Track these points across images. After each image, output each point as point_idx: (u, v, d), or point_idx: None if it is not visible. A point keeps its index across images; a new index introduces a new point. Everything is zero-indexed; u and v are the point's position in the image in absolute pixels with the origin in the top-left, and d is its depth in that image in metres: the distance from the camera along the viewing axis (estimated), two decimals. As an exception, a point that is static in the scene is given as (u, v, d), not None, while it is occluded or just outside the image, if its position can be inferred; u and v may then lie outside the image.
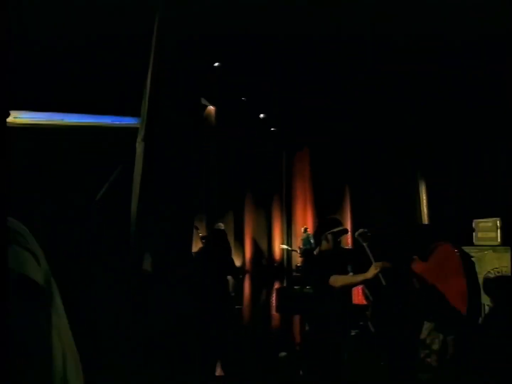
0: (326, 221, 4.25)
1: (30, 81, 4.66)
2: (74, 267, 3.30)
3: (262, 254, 13.77)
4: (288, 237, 13.51)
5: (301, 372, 4.20)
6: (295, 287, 8.70)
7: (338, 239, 3.70)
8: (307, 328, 7.07)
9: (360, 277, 3.40)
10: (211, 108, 14.44)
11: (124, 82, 5.30)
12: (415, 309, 3.35)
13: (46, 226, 3.52)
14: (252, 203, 14.04)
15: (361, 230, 3.78)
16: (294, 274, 12.33)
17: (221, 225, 7.90)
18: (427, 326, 2.94)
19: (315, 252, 3.85)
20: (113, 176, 4.44)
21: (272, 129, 13.13)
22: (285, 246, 10.60)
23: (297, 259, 12.79)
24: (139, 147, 4.18)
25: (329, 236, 3.67)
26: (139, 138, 4.25)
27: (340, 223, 3.86)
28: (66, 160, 4.85)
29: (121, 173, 4.39)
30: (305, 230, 11.08)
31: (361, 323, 3.71)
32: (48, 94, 5.43)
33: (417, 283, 3.31)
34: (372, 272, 3.19)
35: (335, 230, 3.66)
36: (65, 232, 3.63)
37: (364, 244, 3.54)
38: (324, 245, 3.77)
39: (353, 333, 3.16)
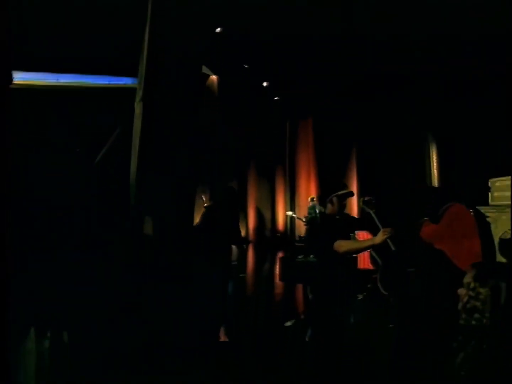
0: (331, 184, 4.09)
1: (23, 40, 4.43)
2: (75, 229, 3.22)
3: (266, 224, 13.72)
4: (291, 207, 13.41)
5: (307, 339, 4.11)
6: (298, 256, 8.65)
7: (344, 202, 3.56)
8: (310, 296, 7.04)
9: (368, 242, 3.31)
10: (213, 77, 14.14)
11: (121, 41, 5.05)
12: (426, 271, 3.22)
13: (44, 188, 3.42)
14: (256, 173, 13.92)
15: (366, 197, 3.65)
16: (297, 244, 12.27)
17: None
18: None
19: (319, 216, 3.71)
20: (112, 138, 4.29)
21: (275, 98, 12.86)
22: (291, 213, 10.50)
23: (300, 230, 12.73)
24: (138, 107, 4.00)
25: (335, 199, 3.52)
26: (138, 99, 4.08)
27: (345, 185, 3.76)
28: (63, 122, 4.67)
29: (119, 135, 4.23)
30: (312, 199, 10.92)
31: (369, 285, 3.52)
32: (42, 53, 5.14)
33: (428, 245, 3.19)
34: (380, 237, 3.05)
35: (340, 193, 3.53)
36: (64, 194, 3.50)
37: (371, 211, 3.43)
38: (329, 208, 3.59)
39: (360, 297, 3.00)
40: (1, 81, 1.85)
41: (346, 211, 3.95)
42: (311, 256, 9.35)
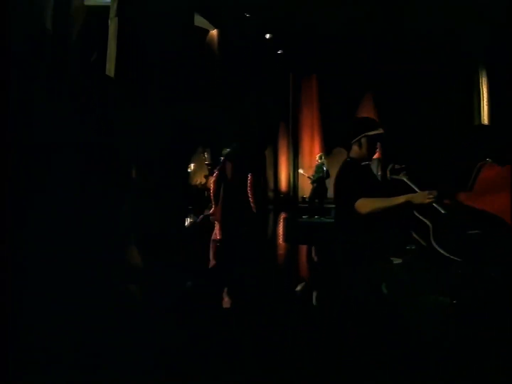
0: (360, 121, 3.22)
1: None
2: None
3: (268, 184, 13.39)
4: (294, 167, 13.02)
5: (314, 302, 3.78)
6: (303, 216, 8.38)
7: (375, 147, 2.76)
8: (316, 258, 6.76)
9: (401, 199, 2.40)
10: (213, 32, 13.44)
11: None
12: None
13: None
14: (257, 131, 13.46)
15: (396, 166, 2.69)
16: (300, 205, 11.99)
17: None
18: None
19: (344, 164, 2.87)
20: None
21: (279, 51, 12.20)
22: (302, 171, 10.15)
23: (304, 190, 12.41)
24: (112, 23, 3.45)
25: (363, 141, 2.72)
26: (112, 14, 3.51)
27: (378, 124, 2.80)
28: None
29: (95, 58, 3.66)
30: (321, 157, 10.42)
31: (411, 247, 2.60)
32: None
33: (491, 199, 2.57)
34: (421, 198, 2.31)
35: (371, 133, 2.73)
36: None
37: (404, 178, 2.59)
38: (355, 151, 2.78)
39: (396, 261, 2.28)
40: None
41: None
42: (316, 216, 9.12)
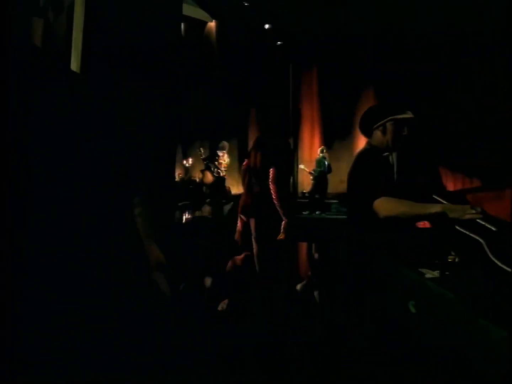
0: (387, 102, 2.71)
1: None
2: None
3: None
4: (294, 161, 12.75)
5: (316, 297, 3.53)
6: (303, 212, 8.13)
7: (402, 132, 2.26)
8: (316, 255, 6.51)
9: (435, 208, 1.89)
10: (211, 24, 13.14)
11: None
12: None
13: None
14: (257, 124, 13.19)
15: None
16: (299, 200, 11.73)
17: (226, 144, 7.10)
18: None
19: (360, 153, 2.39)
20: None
21: (278, 43, 11.89)
22: (303, 166, 9.89)
23: (304, 185, 12.15)
24: (78, 8, 3.06)
25: (389, 125, 2.27)
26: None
27: (406, 107, 2.30)
28: None
29: None
30: (322, 150, 10.14)
31: (451, 256, 1.96)
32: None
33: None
34: (460, 213, 1.79)
35: (399, 116, 2.25)
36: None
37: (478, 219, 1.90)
38: (378, 138, 2.31)
39: (429, 275, 1.71)
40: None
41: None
42: (317, 212, 8.86)
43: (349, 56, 11.11)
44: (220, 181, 6.80)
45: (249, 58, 11.86)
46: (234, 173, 14.10)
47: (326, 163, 9.61)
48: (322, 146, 10.72)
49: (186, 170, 16.72)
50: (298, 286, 4.48)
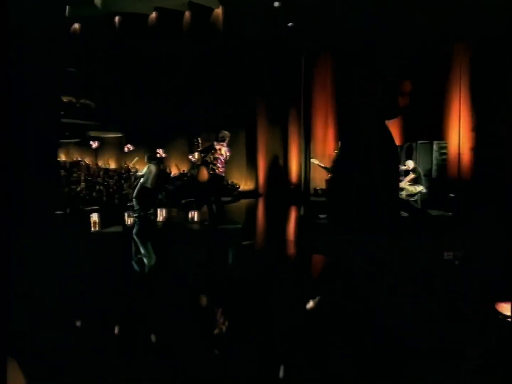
0: None
1: None
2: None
3: (277, 175, 12.21)
4: (306, 155, 11.75)
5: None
6: (319, 216, 7.14)
7: None
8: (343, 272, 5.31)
9: None
10: (218, 11, 12.19)
11: None
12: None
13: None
14: (266, 115, 12.26)
15: None
16: (313, 199, 10.76)
17: (226, 134, 6.00)
18: None
19: None
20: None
21: (289, 24, 10.84)
22: (317, 162, 8.85)
23: (316, 181, 11.19)
24: None
25: None
26: None
27: None
28: None
29: None
30: (343, 145, 9.07)
31: None
32: None
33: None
34: None
35: None
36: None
37: None
38: None
39: None
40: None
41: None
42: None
43: (367, 38, 10.06)
44: (215, 179, 5.80)
45: (258, 42, 10.88)
46: (242, 168, 13.21)
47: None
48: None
49: (192, 165, 15.71)
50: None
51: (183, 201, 10.36)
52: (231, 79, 11.47)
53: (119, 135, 16.44)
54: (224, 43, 11.55)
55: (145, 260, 4.83)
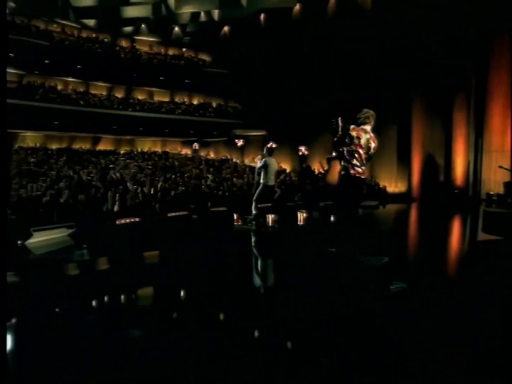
0: None
1: None
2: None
3: (437, 176, 10.08)
4: (476, 153, 9.44)
5: None
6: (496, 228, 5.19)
7: None
8: None
9: None
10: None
11: None
12: None
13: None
14: (423, 105, 10.25)
15: None
16: (486, 208, 8.46)
17: (370, 114, 3.54)
18: None
19: None
20: None
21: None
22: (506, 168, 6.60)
23: (489, 184, 8.87)
24: None
25: None
26: None
27: None
28: None
29: None
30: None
31: None
32: None
33: None
34: None
35: None
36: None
37: None
38: None
39: None
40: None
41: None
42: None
43: None
44: (350, 181, 3.55)
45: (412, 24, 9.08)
46: (391, 166, 11.34)
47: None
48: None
49: (303, 158, 14.19)
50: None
51: (321, 204, 9.14)
52: (382, 67, 9.87)
53: (263, 133, 16.14)
54: (376, 27, 10.02)
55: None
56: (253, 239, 5.29)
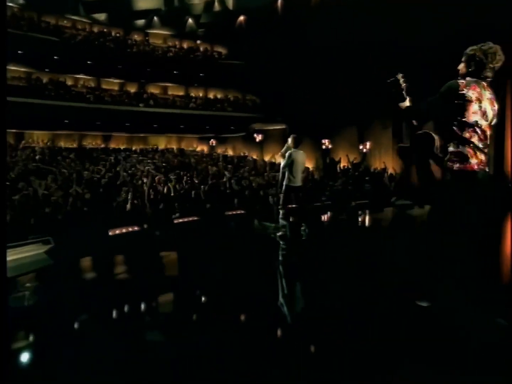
0: None
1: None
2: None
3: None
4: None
5: None
6: None
7: None
8: None
9: None
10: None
11: None
12: None
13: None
14: None
15: None
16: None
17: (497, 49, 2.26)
18: None
19: None
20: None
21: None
22: None
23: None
24: None
25: None
26: None
27: None
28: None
29: None
30: None
31: None
32: None
33: None
34: None
35: None
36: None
37: None
38: None
39: None
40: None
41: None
42: None
43: None
44: (483, 179, 2.00)
45: None
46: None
47: None
48: None
49: (363, 156, 13.12)
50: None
51: (353, 203, 8.14)
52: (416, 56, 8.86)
53: (283, 126, 15.16)
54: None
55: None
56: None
